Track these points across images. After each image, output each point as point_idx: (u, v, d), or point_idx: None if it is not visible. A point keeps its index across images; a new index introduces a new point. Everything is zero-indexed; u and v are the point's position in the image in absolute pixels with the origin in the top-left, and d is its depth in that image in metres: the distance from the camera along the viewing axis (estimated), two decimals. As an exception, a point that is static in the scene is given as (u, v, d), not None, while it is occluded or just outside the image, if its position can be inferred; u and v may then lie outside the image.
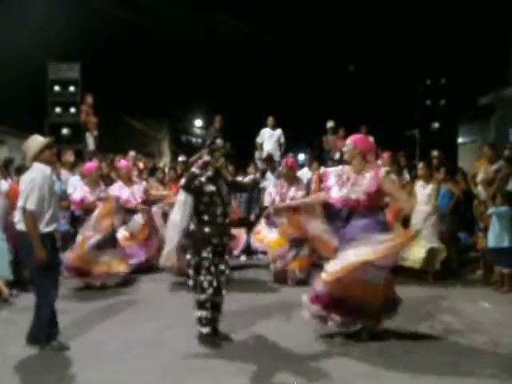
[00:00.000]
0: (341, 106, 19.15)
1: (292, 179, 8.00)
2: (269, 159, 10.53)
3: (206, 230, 5.02)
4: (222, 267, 5.12)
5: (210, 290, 5.01)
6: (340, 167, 5.53)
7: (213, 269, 5.03)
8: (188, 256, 5.12)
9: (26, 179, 5.06)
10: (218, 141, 5.22)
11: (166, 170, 11.99)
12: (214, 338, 5.10)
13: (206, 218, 5.05)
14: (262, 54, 20.40)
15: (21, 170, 8.05)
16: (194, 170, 5.25)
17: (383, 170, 5.23)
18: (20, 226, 5.02)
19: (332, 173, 5.47)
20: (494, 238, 7.19)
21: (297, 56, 20.13)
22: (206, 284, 5.01)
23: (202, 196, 5.06)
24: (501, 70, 14.93)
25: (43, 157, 5.08)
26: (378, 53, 19.04)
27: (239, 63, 22.07)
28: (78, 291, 7.40)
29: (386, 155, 8.70)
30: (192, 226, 5.11)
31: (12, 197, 7.54)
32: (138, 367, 4.63)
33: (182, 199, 5.19)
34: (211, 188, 5.07)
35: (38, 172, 5.04)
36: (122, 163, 9.27)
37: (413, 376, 4.35)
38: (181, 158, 12.05)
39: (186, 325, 5.66)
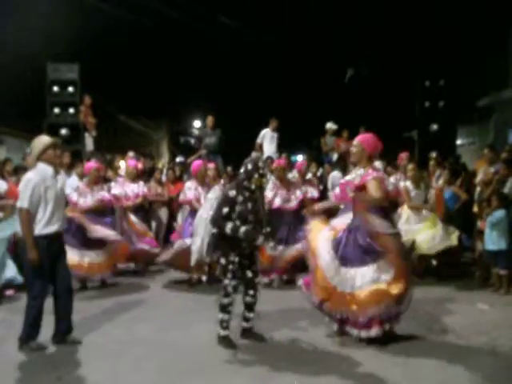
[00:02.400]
0: (339, 107, 19.17)
1: (285, 180, 8.01)
2: (269, 161, 10.55)
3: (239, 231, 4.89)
4: (255, 268, 5.15)
5: (234, 295, 5.01)
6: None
7: (239, 273, 5.01)
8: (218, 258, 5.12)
9: (23, 179, 5.06)
10: (256, 176, 4.96)
11: (165, 170, 11.98)
12: (230, 340, 5.05)
13: (237, 223, 4.90)
14: (261, 55, 20.42)
15: (18, 170, 8.04)
16: (230, 192, 5.01)
17: (375, 173, 5.09)
18: (18, 226, 5.02)
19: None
20: (491, 240, 7.19)
21: (296, 57, 20.16)
22: (230, 288, 4.98)
23: (235, 206, 4.94)
24: (500, 71, 14.95)
25: (46, 157, 5.06)
26: (377, 54, 19.06)
27: (239, 64, 22.09)
28: (76, 292, 7.37)
29: (404, 155, 8.65)
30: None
31: (10, 197, 7.53)
32: (138, 367, 4.62)
33: (212, 197, 5.19)
34: (243, 196, 4.96)
35: (36, 172, 5.03)
36: (131, 162, 9.35)
37: (411, 376, 4.35)
38: (178, 159, 12.05)
39: (185, 325, 5.70)
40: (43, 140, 5.16)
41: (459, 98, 13.77)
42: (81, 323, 5.80)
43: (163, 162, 18.90)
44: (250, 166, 5.02)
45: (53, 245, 5.07)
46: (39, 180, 4.96)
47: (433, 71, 13.45)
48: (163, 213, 10.12)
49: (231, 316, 5.05)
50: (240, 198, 4.96)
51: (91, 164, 8.27)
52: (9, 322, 5.93)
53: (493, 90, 15.13)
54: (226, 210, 4.93)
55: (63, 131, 11.22)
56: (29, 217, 4.91)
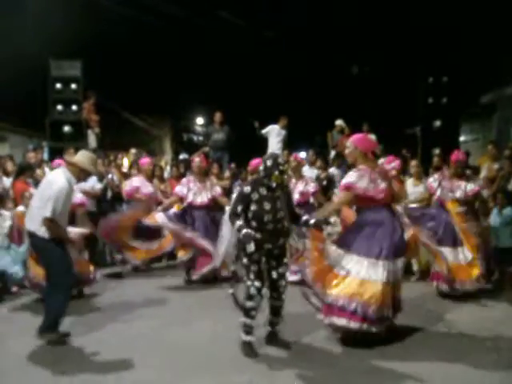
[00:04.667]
0: (342, 104, 19.15)
1: (299, 175, 8.01)
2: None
3: (257, 235, 4.61)
4: (281, 270, 4.80)
5: (258, 298, 4.66)
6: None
7: (264, 275, 4.69)
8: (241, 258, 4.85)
9: (56, 188, 4.97)
10: (276, 173, 4.69)
11: (168, 167, 11.99)
12: (252, 347, 4.74)
13: (254, 224, 4.68)
14: (264, 52, 20.40)
15: (24, 169, 7.99)
16: (245, 188, 4.78)
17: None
18: (29, 225, 5.04)
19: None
20: (504, 236, 7.18)
21: (299, 54, 20.13)
22: (253, 290, 4.64)
23: (250, 204, 4.71)
24: (503, 68, 14.92)
25: (75, 171, 5.10)
26: (381, 51, 19.03)
27: (242, 61, 22.07)
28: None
29: (455, 157, 7.10)
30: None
31: (16, 194, 7.55)
32: (140, 364, 4.62)
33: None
34: (259, 194, 4.71)
35: (65, 179, 5.03)
36: (145, 160, 9.29)
37: (413, 373, 4.33)
38: (181, 156, 12.03)
39: (187, 322, 5.69)
40: (88, 159, 5.20)
41: (462, 95, 13.76)
42: (83, 319, 5.82)
43: (166, 159, 18.93)
44: (269, 163, 4.72)
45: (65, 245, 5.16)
46: (69, 188, 5.02)
47: (436, 68, 13.46)
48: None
49: (253, 321, 4.72)
50: (255, 196, 4.69)
51: (59, 162, 7.55)
52: (11, 318, 5.96)
53: (496, 87, 15.11)
54: (239, 207, 4.71)
55: (66, 128, 11.19)
56: (55, 222, 4.95)
